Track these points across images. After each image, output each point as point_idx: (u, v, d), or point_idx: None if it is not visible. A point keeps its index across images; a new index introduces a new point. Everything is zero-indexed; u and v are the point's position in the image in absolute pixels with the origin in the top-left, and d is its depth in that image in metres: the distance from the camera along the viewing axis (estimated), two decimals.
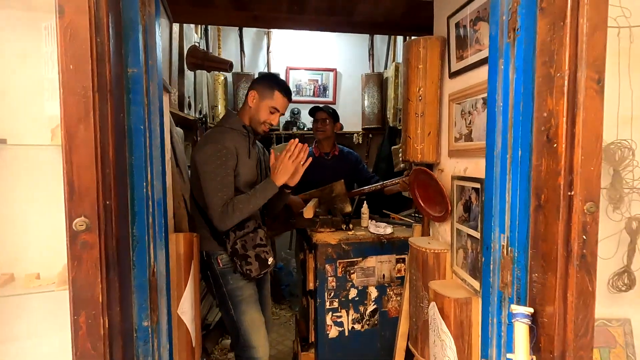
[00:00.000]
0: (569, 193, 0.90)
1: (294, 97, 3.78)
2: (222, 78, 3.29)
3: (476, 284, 1.31)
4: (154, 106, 0.93)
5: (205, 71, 2.85)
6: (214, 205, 1.40)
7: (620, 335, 1.03)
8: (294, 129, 3.64)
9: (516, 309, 1.00)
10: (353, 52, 3.78)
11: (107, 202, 0.72)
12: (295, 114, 3.70)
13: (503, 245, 1.09)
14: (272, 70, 3.62)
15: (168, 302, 1.02)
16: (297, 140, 1.47)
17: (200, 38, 2.92)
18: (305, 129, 3.64)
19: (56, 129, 0.77)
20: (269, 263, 1.50)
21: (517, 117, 1.03)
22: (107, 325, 0.72)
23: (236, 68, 3.31)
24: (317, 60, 3.75)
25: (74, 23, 0.66)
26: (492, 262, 1.14)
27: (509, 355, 1.03)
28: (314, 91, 3.85)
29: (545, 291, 0.97)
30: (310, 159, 1.50)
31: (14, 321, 0.79)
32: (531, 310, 0.98)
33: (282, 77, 3.63)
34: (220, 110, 3.31)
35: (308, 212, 1.84)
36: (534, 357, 0.99)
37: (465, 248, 1.43)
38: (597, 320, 1.04)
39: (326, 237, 1.81)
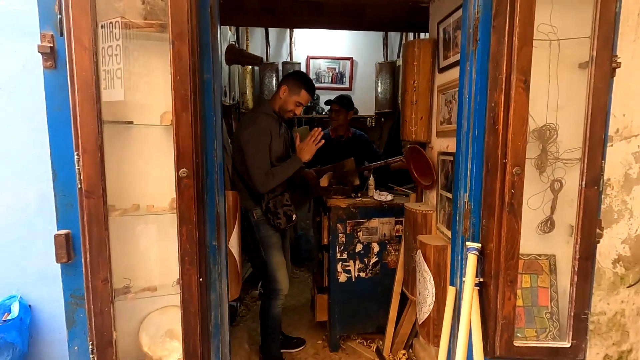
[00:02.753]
0: (504, 161, 1.28)
1: None
2: (250, 68, 3.70)
3: (450, 234, 1.71)
4: (217, 99, 1.36)
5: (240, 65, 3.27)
6: (257, 174, 1.84)
7: (547, 266, 1.42)
8: (313, 113, 4.03)
9: (469, 244, 1.40)
10: (368, 42, 4.08)
11: (197, 161, 1.16)
12: (314, 100, 4.07)
13: (465, 201, 1.48)
14: (294, 60, 4.00)
15: (225, 235, 1.48)
16: (320, 129, 1.91)
17: (233, 34, 3.33)
18: (324, 113, 4.02)
19: (164, 115, 1.20)
20: (293, 218, 1.96)
21: (476, 106, 1.40)
22: (197, 236, 1.18)
23: None
24: (335, 50, 4.08)
25: (180, 51, 1.09)
26: (458, 215, 1.54)
27: (463, 279, 1.44)
28: (332, 78, 4.20)
29: (488, 232, 1.36)
30: (323, 141, 1.92)
31: (140, 231, 1.27)
32: (479, 245, 1.38)
33: (303, 65, 4.00)
34: (248, 96, 3.73)
35: (324, 181, 2.28)
36: (480, 279, 1.39)
37: (445, 208, 1.83)
38: (529, 255, 1.42)
39: (338, 202, 2.23)
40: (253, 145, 1.83)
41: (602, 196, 1.39)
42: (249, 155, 1.84)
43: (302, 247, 3.89)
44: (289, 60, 4.01)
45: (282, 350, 2.18)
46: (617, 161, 1.58)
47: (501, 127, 1.28)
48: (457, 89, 1.71)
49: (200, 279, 1.19)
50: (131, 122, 1.21)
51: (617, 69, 1.27)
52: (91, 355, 1.13)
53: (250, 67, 3.68)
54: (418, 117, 1.96)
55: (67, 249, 1.17)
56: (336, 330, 2.31)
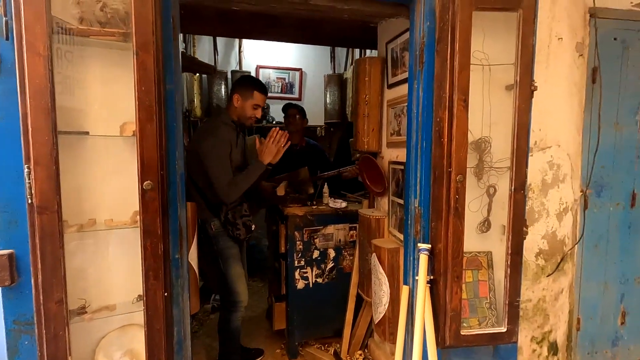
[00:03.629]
0: (449, 169, 1.44)
1: None
2: (198, 76, 3.61)
3: (402, 237, 1.85)
4: (179, 109, 1.35)
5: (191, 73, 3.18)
6: (220, 185, 1.81)
7: (485, 261, 1.61)
8: (264, 122, 4.04)
9: (421, 245, 1.54)
10: (317, 54, 4.22)
11: (162, 172, 1.14)
12: (264, 109, 4.08)
13: (416, 207, 1.62)
14: (244, 69, 3.99)
15: (186, 247, 1.45)
16: (277, 128, 1.93)
17: (181, 41, 3.24)
18: (274, 122, 4.05)
19: (124, 126, 1.16)
20: (252, 228, 1.96)
21: (424, 120, 1.56)
22: (162, 249, 1.15)
23: None
24: (284, 61, 4.16)
25: (145, 62, 1.06)
26: (409, 219, 1.68)
27: (416, 277, 1.57)
28: (281, 88, 4.26)
29: (437, 233, 1.51)
30: (290, 143, 1.95)
31: (99, 247, 1.19)
32: (429, 246, 1.52)
33: (253, 74, 4.01)
34: (197, 104, 3.63)
35: (280, 190, 2.31)
36: (431, 276, 1.53)
37: (397, 213, 1.97)
38: (470, 252, 1.60)
39: (295, 210, 2.28)
40: (215, 157, 1.81)
41: (526, 199, 1.62)
42: (211, 167, 1.81)
43: (254, 256, 3.85)
44: (238, 69, 3.99)
45: None
46: (536, 169, 1.85)
47: (446, 139, 1.44)
48: (405, 104, 1.87)
49: (165, 294, 1.16)
50: (86, 133, 1.15)
51: (534, 91, 1.50)
52: None
53: (198, 75, 3.60)
54: (370, 128, 2.10)
55: (10, 270, 1.07)
56: (295, 338, 2.33)
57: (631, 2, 1.96)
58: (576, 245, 2.02)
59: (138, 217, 1.12)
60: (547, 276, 1.93)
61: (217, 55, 3.95)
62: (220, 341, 2.06)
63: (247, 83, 2.02)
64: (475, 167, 1.52)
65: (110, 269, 1.21)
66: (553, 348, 2.00)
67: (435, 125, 1.49)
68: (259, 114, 1.99)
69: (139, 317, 1.22)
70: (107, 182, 1.19)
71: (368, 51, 3.32)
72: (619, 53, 2.05)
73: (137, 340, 1.24)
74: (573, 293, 2.08)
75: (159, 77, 1.12)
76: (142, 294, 1.19)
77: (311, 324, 2.36)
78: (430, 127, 1.52)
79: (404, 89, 1.86)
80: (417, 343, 1.44)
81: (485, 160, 1.53)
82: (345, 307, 2.35)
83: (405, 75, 1.84)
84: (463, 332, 1.49)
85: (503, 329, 1.53)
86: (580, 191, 2.02)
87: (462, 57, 1.38)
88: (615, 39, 2.02)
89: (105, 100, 1.16)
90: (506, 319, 1.52)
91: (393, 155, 2.01)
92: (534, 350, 1.95)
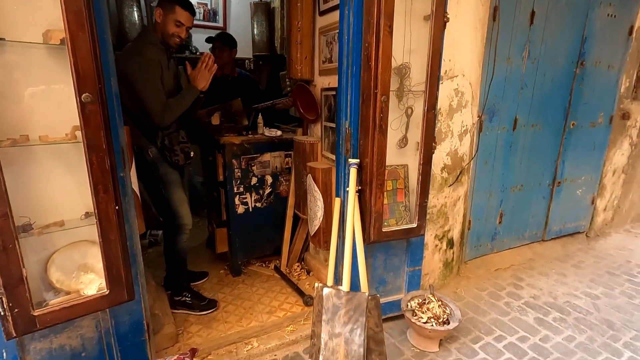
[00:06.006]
0: (375, 91, 1.62)
1: None
2: None
3: (334, 158, 2.07)
4: (106, 21, 1.27)
5: None
6: (154, 108, 1.74)
7: (402, 173, 1.92)
8: (187, 53, 3.77)
9: (351, 161, 1.76)
10: None
11: (100, 86, 1.11)
12: (187, 38, 3.79)
13: (346, 127, 1.81)
14: None
15: (129, 167, 1.45)
16: (209, 53, 1.88)
17: None
18: (198, 53, 3.81)
19: (48, 33, 1.06)
20: (191, 155, 1.98)
21: (354, 46, 1.68)
22: (109, 164, 1.16)
23: None
24: None
25: None
26: (341, 139, 1.87)
27: (347, 189, 1.82)
28: (203, 15, 3.95)
29: (365, 149, 1.73)
30: (216, 66, 1.92)
31: (38, 163, 1.14)
32: (358, 160, 1.75)
33: None
34: None
35: (215, 119, 2.31)
36: (359, 186, 1.79)
37: (329, 137, 2.16)
38: (391, 165, 1.89)
39: (232, 139, 2.33)
40: (144, 77, 1.72)
41: (436, 119, 1.91)
42: (141, 89, 1.73)
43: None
44: None
45: None
46: (444, 95, 2.15)
47: (373, 63, 1.60)
48: (336, 31, 1.97)
49: (117, 207, 1.21)
50: (3, 39, 1.05)
51: (447, 24, 1.72)
52: None
53: None
54: (303, 56, 2.17)
55: None
56: (237, 258, 2.53)
57: None
58: (471, 161, 2.47)
59: (78, 132, 1.11)
60: (449, 186, 2.36)
61: None
62: (167, 265, 2.15)
63: None
64: (397, 90, 1.74)
65: (53, 186, 1.19)
66: (450, 243, 2.52)
67: (364, 50, 1.64)
68: (182, 33, 1.85)
69: (89, 233, 1.26)
70: (34, 95, 1.12)
71: None
72: None
73: (90, 255, 1.29)
74: (467, 200, 2.59)
75: None
76: (90, 210, 1.22)
77: (252, 244, 2.56)
78: (360, 52, 1.67)
79: (335, 16, 1.94)
80: (348, 242, 1.72)
81: (405, 84, 1.75)
82: (283, 227, 2.58)
83: (336, 1, 1.91)
84: (384, 229, 1.82)
85: (414, 225, 1.89)
86: (478, 116, 2.42)
87: None
88: None
89: (19, 2, 1.05)
90: (417, 217, 1.88)
91: (325, 82, 2.14)
92: (436, 245, 2.43)
